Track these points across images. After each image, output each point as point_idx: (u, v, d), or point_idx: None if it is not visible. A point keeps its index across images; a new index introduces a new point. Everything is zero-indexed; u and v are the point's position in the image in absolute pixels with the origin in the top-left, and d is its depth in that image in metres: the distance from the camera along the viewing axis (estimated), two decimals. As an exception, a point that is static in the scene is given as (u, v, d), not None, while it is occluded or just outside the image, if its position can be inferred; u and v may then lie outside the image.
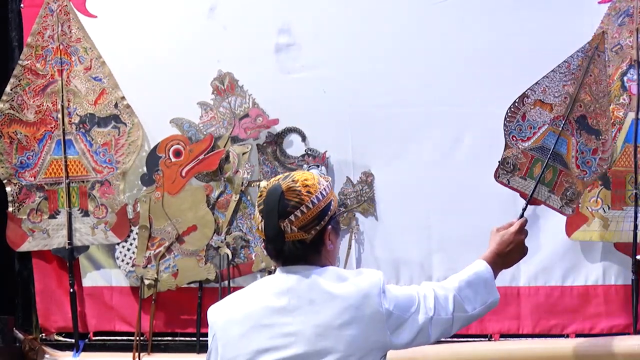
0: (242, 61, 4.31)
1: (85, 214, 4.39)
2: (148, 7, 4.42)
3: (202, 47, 4.35)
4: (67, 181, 4.38)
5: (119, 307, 4.48)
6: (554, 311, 4.10)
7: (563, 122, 3.54)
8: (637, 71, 3.90)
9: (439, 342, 3.57)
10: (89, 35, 4.38)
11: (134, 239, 4.36)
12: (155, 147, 4.34)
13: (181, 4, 4.40)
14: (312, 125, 4.28)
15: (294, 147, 4.29)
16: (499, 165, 3.61)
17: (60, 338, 4.57)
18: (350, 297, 2.57)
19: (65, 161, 4.38)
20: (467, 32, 4.13)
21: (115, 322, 4.49)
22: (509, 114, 3.62)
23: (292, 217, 2.59)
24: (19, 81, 4.39)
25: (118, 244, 4.39)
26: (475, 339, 4.14)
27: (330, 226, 2.65)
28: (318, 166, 4.18)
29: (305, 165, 4.20)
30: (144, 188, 4.36)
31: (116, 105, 4.36)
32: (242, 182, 4.29)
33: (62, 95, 4.37)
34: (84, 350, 4.47)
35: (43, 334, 4.58)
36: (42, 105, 4.39)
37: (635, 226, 3.91)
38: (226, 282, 4.29)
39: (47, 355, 4.48)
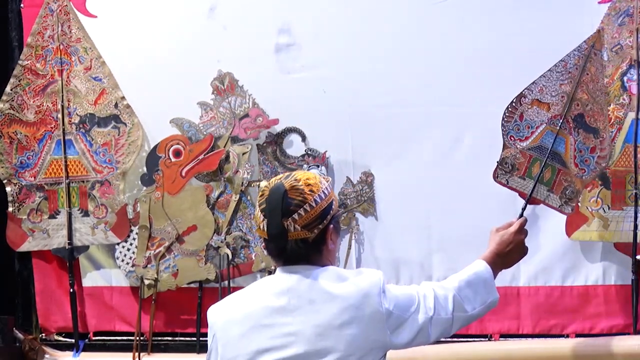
0: (242, 61, 4.31)
1: (85, 214, 4.39)
2: (148, 7, 4.42)
3: (202, 47, 4.36)
4: (67, 181, 4.38)
5: (119, 307, 4.48)
6: (553, 311, 4.11)
7: (561, 121, 3.55)
8: (637, 71, 3.90)
9: (438, 342, 3.57)
10: (89, 35, 4.38)
11: (134, 239, 4.36)
12: (155, 147, 4.35)
13: (181, 4, 4.40)
14: (312, 125, 4.28)
15: (294, 147, 4.30)
16: (497, 165, 3.61)
17: (60, 338, 4.57)
18: (351, 297, 2.57)
19: (65, 161, 4.38)
20: (467, 32, 4.13)
21: (115, 322, 4.49)
22: (507, 114, 3.63)
23: (295, 216, 2.59)
24: (19, 81, 4.39)
25: (118, 244, 4.39)
26: (475, 339, 4.14)
27: (332, 225, 2.65)
28: (318, 166, 4.18)
29: (305, 165, 4.20)
30: (144, 188, 4.36)
31: (116, 105, 4.36)
32: (242, 182, 4.29)
33: (62, 95, 4.37)
34: (84, 350, 4.47)
35: (43, 334, 4.58)
36: (42, 105, 4.39)
37: (635, 226, 3.91)
38: (226, 282, 4.29)
39: (47, 355, 4.48)
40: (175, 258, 4.34)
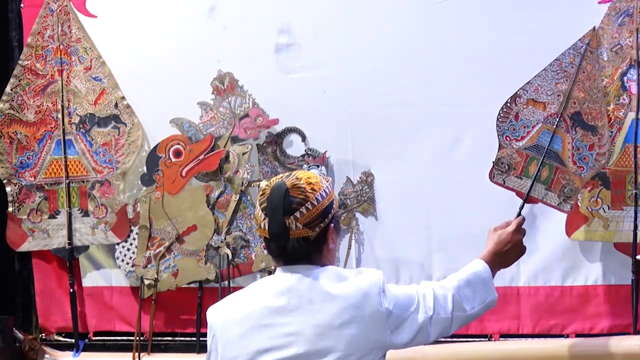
0: (242, 61, 4.31)
1: (85, 214, 4.39)
2: (148, 7, 4.42)
3: (202, 47, 4.35)
4: (67, 181, 4.38)
5: (119, 307, 4.48)
6: (553, 311, 4.10)
7: (557, 119, 3.55)
8: (637, 71, 3.90)
9: (438, 342, 3.58)
10: (89, 35, 4.38)
11: (134, 239, 4.36)
12: (155, 147, 4.34)
13: (181, 4, 4.40)
14: (312, 125, 4.28)
15: (294, 147, 4.29)
16: (493, 165, 3.62)
17: (60, 338, 4.57)
18: (350, 297, 2.57)
19: (65, 161, 4.38)
20: (467, 32, 4.13)
21: (115, 322, 4.49)
22: (502, 115, 3.64)
23: (297, 214, 2.59)
24: (19, 81, 4.39)
25: (118, 244, 4.39)
26: (475, 339, 4.14)
27: (332, 224, 2.65)
28: (318, 166, 4.18)
29: (305, 165, 4.20)
30: (144, 188, 4.36)
31: (116, 105, 4.36)
32: (242, 182, 4.29)
33: (62, 95, 4.37)
34: (84, 350, 4.47)
35: (43, 334, 4.58)
36: (42, 105, 4.39)
37: (635, 226, 3.91)
38: (226, 282, 4.29)
39: (47, 355, 4.48)
40: (175, 258, 4.34)
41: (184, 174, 4.31)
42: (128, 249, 4.38)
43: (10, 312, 4.58)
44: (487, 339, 4.16)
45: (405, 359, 3.25)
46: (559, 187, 3.56)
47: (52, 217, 4.41)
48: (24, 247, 4.45)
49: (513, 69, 3.97)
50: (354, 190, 4.25)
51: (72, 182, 4.39)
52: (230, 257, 4.29)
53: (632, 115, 3.91)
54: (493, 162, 3.61)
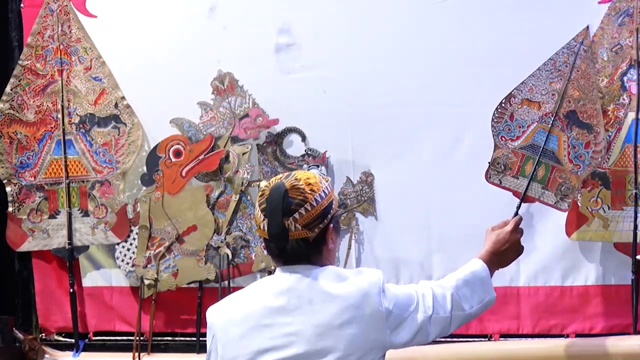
0: (242, 61, 4.31)
1: (85, 214, 4.39)
2: (148, 7, 4.42)
3: (202, 47, 4.35)
4: (67, 181, 4.38)
5: (119, 307, 4.48)
6: (553, 311, 4.10)
7: (552, 118, 3.55)
8: (637, 71, 3.90)
9: (438, 342, 3.59)
10: (89, 35, 4.38)
11: (134, 239, 4.36)
12: (155, 147, 4.35)
13: (181, 4, 4.40)
14: (312, 125, 4.28)
15: (294, 147, 4.29)
16: (489, 166, 3.62)
17: (60, 338, 4.57)
18: (350, 297, 2.57)
19: (65, 161, 4.38)
20: (467, 32, 4.13)
21: (115, 322, 4.49)
22: (497, 115, 3.65)
23: (296, 215, 2.59)
24: (19, 81, 4.39)
25: (118, 244, 4.39)
26: (475, 339, 4.14)
27: (332, 225, 2.65)
28: (318, 166, 4.18)
29: (305, 165, 4.20)
30: (144, 188, 4.36)
31: (116, 105, 4.36)
32: (242, 182, 4.29)
33: (62, 95, 4.37)
34: (84, 350, 4.47)
35: (43, 334, 4.58)
36: (42, 105, 4.39)
37: (635, 226, 3.91)
38: (226, 282, 4.29)
39: (47, 355, 4.48)
40: (175, 258, 4.34)
41: (184, 174, 4.31)
42: (128, 249, 4.38)
43: (10, 312, 4.58)
44: (487, 339, 4.16)
45: (405, 359, 3.25)
46: (556, 185, 3.56)
47: (52, 217, 4.41)
48: (24, 247, 4.45)
49: (513, 69, 3.97)
50: (354, 190, 4.25)
51: (72, 182, 4.39)
52: (230, 257, 4.29)
53: (632, 115, 3.92)
54: (489, 163, 3.62)
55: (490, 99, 3.92)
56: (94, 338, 4.51)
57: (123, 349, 4.42)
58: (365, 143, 4.24)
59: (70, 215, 4.38)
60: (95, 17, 4.44)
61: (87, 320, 4.51)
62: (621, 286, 4.03)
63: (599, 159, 3.67)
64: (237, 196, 4.29)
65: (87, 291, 4.51)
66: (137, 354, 4.35)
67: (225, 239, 4.30)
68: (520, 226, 3.07)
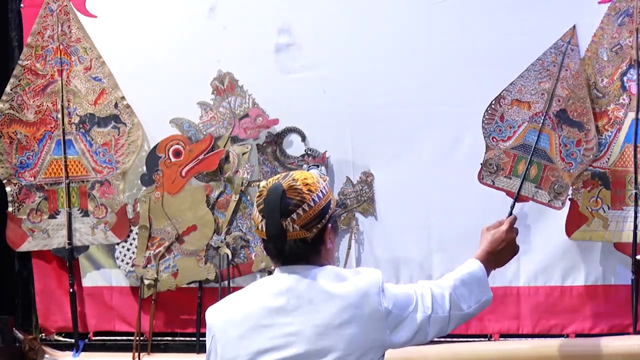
0: (242, 61, 4.31)
1: (85, 214, 4.39)
2: (148, 7, 4.42)
3: (202, 47, 4.35)
4: (67, 181, 4.38)
5: (118, 307, 4.48)
6: (553, 311, 4.10)
7: (543, 117, 3.56)
8: (637, 71, 3.90)
9: (438, 342, 3.59)
10: (89, 35, 4.38)
11: (134, 239, 4.36)
12: (155, 147, 4.34)
13: (181, 4, 4.40)
14: (312, 125, 4.28)
15: (294, 147, 4.29)
16: (481, 167, 3.62)
17: (60, 338, 4.57)
18: (350, 296, 2.58)
19: (65, 161, 4.38)
20: (467, 32, 4.13)
21: (115, 322, 4.49)
22: (487, 117, 3.66)
23: (294, 216, 2.59)
24: (19, 81, 4.39)
25: (118, 244, 4.39)
26: (475, 339, 4.14)
27: (330, 225, 2.65)
28: (318, 166, 4.18)
29: (305, 165, 4.20)
30: (144, 188, 4.36)
31: (116, 105, 4.36)
32: (242, 182, 4.29)
33: (62, 95, 4.37)
34: (84, 350, 4.47)
35: (43, 334, 4.58)
36: (42, 105, 4.39)
37: (635, 226, 3.91)
38: (226, 282, 4.29)
39: (47, 355, 4.48)
40: (175, 258, 4.34)
41: (183, 174, 4.31)
42: (128, 249, 4.38)
43: (10, 312, 4.58)
44: (487, 339, 4.16)
45: (404, 359, 3.25)
46: (549, 184, 3.57)
47: (52, 217, 4.41)
48: (24, 247, 4.45)
49: (513, 69, 3.97)
50: (354, 190, 4.25)
51: (72, 182, 4.39)
52: (230, 257, 4.29)
53: (632, 115, 3.91)
54: (481, 164, 3.62)
55: (490, 99, 3.92)
56: (93, 338, 4.51)
57: (123, 349, 4.42)
58: (365, 143, 4.24)
59: (70, 215, 4.38)
60: (95, 17, 4.44)
61: (87, 320, 4.51)
62: (621, 286, 4.03)
63: (591, 157, 3.68)
64: (237, 196, 4.29)
65: (87, 291, 4.51)
66: (137, 354, 4.35)
67: (225, 239, 4.30)
68: (515, 226, 3.09)
